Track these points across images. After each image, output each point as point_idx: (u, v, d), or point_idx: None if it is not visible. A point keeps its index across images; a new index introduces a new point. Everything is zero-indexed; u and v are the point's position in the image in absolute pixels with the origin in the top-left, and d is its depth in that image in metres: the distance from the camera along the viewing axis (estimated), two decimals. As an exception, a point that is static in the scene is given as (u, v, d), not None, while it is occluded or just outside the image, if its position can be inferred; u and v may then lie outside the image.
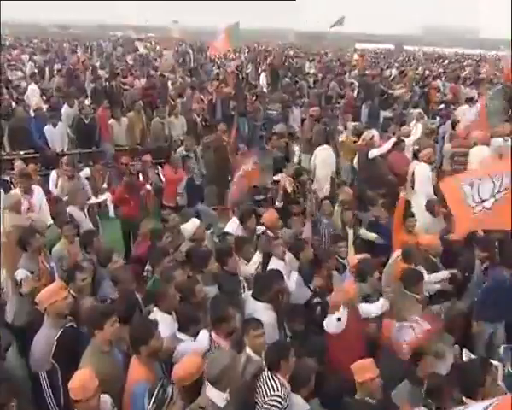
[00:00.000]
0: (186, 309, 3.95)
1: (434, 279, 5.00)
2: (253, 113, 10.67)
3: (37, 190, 6.52)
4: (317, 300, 4.67)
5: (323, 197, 6.55)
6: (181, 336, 3.79)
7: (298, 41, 47.64)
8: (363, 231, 6.09)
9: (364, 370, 3.42)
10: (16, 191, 6.28)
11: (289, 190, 6.24)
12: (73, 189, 6.70)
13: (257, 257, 4.97)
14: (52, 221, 6.36)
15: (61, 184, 6.88)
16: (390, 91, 12.86)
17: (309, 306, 4.77)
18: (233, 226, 5.76)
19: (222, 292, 4.36)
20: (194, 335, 3.79)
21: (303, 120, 11.32)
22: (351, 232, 5.93)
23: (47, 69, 16.28)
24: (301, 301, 4.74)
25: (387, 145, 7.66)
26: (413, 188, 7.49)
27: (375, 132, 8.24)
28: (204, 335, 3.75)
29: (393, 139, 7.81)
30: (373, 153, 7.48)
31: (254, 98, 11.08)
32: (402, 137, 8.43)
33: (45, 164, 8.74)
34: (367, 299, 4.47)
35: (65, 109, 9.49)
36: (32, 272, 4.66)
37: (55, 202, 8.17)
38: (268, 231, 5.48)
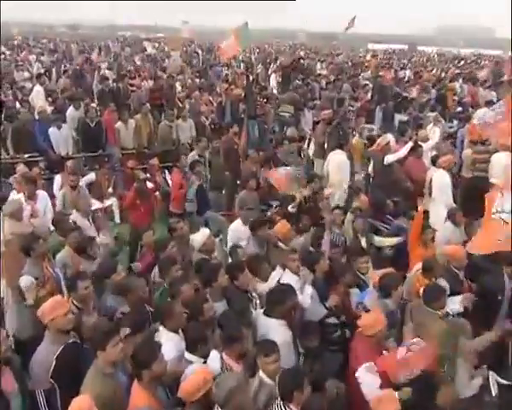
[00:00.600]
0: (194, 328, 3.77)
1: (457, 301, 4.75)
2: (263, 115, 10.47)
3: (42, 194, 6.45)
4: (333, 320, 4.48)
5: (335, 206, 6.32)
6: (189, 357, 3.61)
7: (308, 41, 47.42)
8: (378, 239, 5.86)
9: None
10: (17, 197, 6.16)
11: (298, 196, 6.04)
12: (77, 197, 6.56)
13: (277, 273, 4.75)
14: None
15: (62, 193, 6.72)
16: (405, 94, 12.57)
17: (323, 324, 4.59)
18: (236, 226, 5.53)
19: (231, 308, 4.18)
20: (204, 356, 3.61)
21: (314, 124, 11.16)
22: (363, 241, 5.71)
23: (54, 70, 16.31)
24: (315, 319, 4.55)
25: (404, 150, 7.43)
26: (431, 196, 7.28)
27: (390, 137, 8.01)
28: (215, 356, 3.57)
29: (410, 144, 7.57)
30: (389, 158, 7.25)
31: (265, 100, 10.90)
32: (419, 142, 8.21)
33: (49, 167, 8.67)
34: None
35: (70, 112, 9.39)
36: (36, 279, 4.54)
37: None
38: (280, 243, 5.28)
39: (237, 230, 5.91)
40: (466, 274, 5.21)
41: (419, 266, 5.10)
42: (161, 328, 3.81)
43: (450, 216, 6.06)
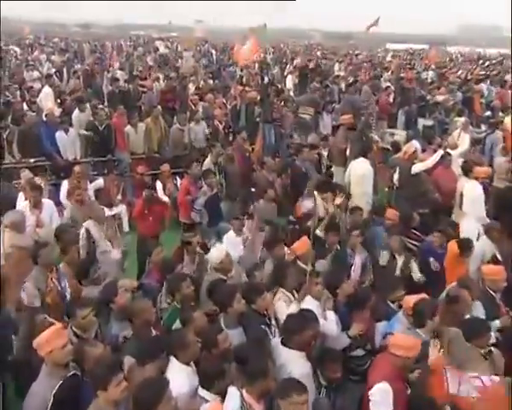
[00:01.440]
0: (209, 360, 3.45)
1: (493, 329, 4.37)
2: (280, 119, 10.14)
3: (47, 203, 6.19)
4: (356, 353, 4.12)
5: (352, 226, 5.86)
6: (204, 393, 3.28)
7: (325, 41, 46.94)
8: (414, 268, 5.44)
9: None
10: (23, 204, 5.92)
11: (321, 213, 5.65)
12: (91, 207, 6.30)
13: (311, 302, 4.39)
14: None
15: (70, 209, 6.48)
16: (429, 97, 12.10)
17: (347, 354, 4.25)
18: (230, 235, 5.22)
19: (249, 338, 3.85)
20: (220, 392, 3.27)
21: (333, 128, 10.80)
22: (400, 261, 5.32)
23: (65, 70, 16.17)
24: (338, 348, 4.21)
25: (434, 159, 7.04)
26: (461, 209, 6.88)
27: (417, 145, 7.62)
28: (234, 394, 3.22)
29: (440, 152, 7.17)
30: (417, 168, 6.86)
31: (282, 103, 10.55)
32: (448, 150, 7.81)
33: (56, 173, 8.47)
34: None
35: (76, 114, 9.15)
36: (38, 289, 4.34)
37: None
38: (300, 262, 4.94)
39: (230, 239, 5.69)
40: (503, 298, 4.85)
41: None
42: (171, 359, 3.49)
43: (488, 231, 5.67)
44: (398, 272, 5.47)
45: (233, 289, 4.08)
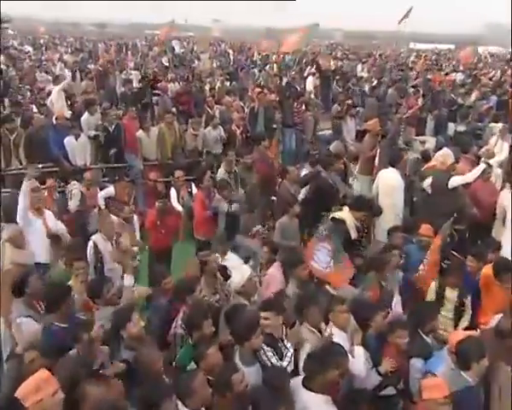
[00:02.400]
0: (222, 406, 3.07)
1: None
2: (300, 124, 9.74)
3: (48, 215, 5.83)
4: (387, 392, 3.71)
5: (388, 246, 5.38)
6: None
7: (346, 41, 46.40)
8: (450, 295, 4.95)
9: None
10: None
11: (354, 236, 5.19)
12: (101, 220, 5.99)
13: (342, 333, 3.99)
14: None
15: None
16: (460, 101, 11.53)
17: (377, 394, 3.82)
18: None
19: (265, 377, 3.45)
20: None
21: (357, 133, 10.35)
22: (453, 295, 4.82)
23: (78, 71, 16.03)
24: (367, 387, 3.80)
25: (475, 173, 6.54)
26: (504, 225, 6.39)
27: (450, 153, 7.14)
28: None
29: (482, 166, 6.65)
30: (455, 181, 6.37)
31: (303, 107, 10.12)
32: (484, 159, 7.31)
33: (64, 180, 8.19)
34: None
35: (85, 117, 8.85)
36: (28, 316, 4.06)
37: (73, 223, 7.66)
38: (328, 287, 4.53)
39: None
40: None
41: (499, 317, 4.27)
42: (179, 405, 3.11)
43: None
44: (432, 297, 5.02)
45: (253, 320, 3.66)
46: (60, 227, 6.01)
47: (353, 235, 5.24)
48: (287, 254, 5.02)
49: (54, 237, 5.38)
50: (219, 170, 7.36)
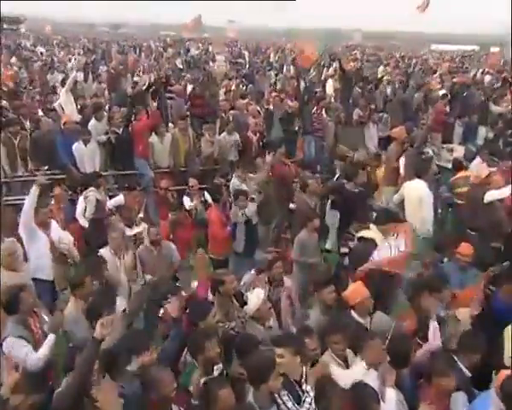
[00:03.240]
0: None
1: None
2: (320, 131, 9.39)
3: (54, 228, 5.61)
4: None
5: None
6: None
7: (365, 42, 45.84)
8: None
9: None
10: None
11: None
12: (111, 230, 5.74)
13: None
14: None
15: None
16: (493, 108, 11.01)
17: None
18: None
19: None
20: None
21: (379, 140, 9.98)
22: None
23: (90, 72, 15.89)
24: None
25: (514, 188, 6.12)
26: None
27: (484, 165, 6.73)
28: None
29: (523, 179, 6.23)
30: (492, 196, 5.98)
31: (324, 112, 9.77)
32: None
33: (72, 188, 7.98)
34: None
35: (92, 123, 8.59)
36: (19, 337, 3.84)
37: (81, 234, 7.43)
38: (354, 314, 4.17)
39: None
40: None
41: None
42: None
43: None
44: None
45: (270, 361, 3.25)
46: (65, 240, 5.76)
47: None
48: (312, 273, 4.67)
49: (58, 257, 5.12)
50: (233, 179, 7.05)
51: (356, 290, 4.29)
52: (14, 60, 19.59)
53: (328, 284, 4.41)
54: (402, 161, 7.34)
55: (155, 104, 9.62)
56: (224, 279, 4.50)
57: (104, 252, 5.41)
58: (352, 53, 28.44)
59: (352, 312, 4.22)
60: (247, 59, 22.80)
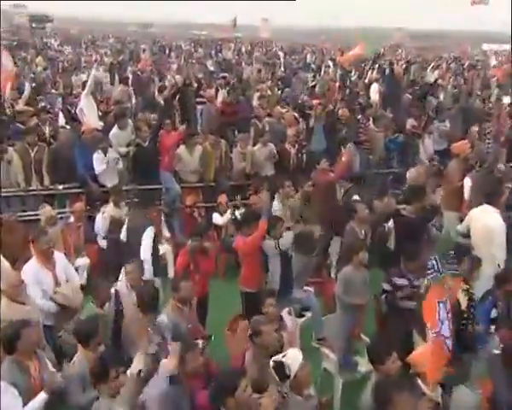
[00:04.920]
0: None
1: None
2: (367, 142, 8.68)
3: (59, 261, 5.01)
4: None
5: None
6: None
7: (409, 41, 44.62)
8: None
9: None
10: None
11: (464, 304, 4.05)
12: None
13: None
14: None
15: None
16: None
17: None
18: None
19: None
20: None
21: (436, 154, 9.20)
22: None
23: (116, 74, 15.63)
24: None
25: None
26: None
27: None
28: None
29: None
30: None
31: (371, 122, 9.05)
32: None
33: (91, 203, 7.57)
34: None
35: (114, 132, 8.09)
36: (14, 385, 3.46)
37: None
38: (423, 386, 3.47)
39: None
40: None
41: None
42: None
43: None
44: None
45: None
46: (71, 273, 5.16)
47: (463, 304, 4.11)
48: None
49: (60, 305, 4.61)
50: (274, 203, 6.41)
51: (425, 355, 3.57)
52: (38, 60, 19.68)
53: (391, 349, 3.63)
54: (467, 181, 6.60)
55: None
56: (262, 329, 3.93)
57: (120, 285, 4.88)
58: (396, 54, 27.53)
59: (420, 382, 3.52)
60: (282, 60, 22.22)
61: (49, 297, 4.60)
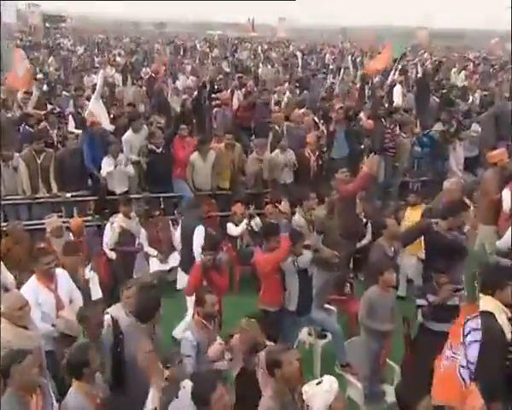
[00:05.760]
0: None
1: None
2: (392, 149, 8.29)
3: (61, 275, 4.73)
4: None
5: None
6: None
7: (432, 41, 43.97)
8: None
9: None
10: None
11: (508, 335, 3.61)
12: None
13: None
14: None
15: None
16: None
17: None
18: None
19: None
20: None
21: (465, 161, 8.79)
22: None
23: (129, 75, 15.46)
24: None
25: None
26: None
27: None
28: None
29: None
30: None
31: (398, 128, 8.65)
32: None
33: (98, 211, 7.35)
34: None
35: (128, 136, 7.84)
36: None
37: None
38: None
39: None
40: None
41: None
42: None
43: None
44: None
45: None
46: (75, 295, 4.86)
47: (508, 334, 3.66)
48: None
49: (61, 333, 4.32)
50: (295, 217, 6.07)
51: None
52: (51, 60, 19.68)
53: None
54: (506, 193, 6.19)
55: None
56: (281, 360, 3.50)
57: (115, 310, 4.38)
58: (419, 54, 26.96)
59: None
60: (299, 60, 21.86)
61: (49, 320, 4.32)
